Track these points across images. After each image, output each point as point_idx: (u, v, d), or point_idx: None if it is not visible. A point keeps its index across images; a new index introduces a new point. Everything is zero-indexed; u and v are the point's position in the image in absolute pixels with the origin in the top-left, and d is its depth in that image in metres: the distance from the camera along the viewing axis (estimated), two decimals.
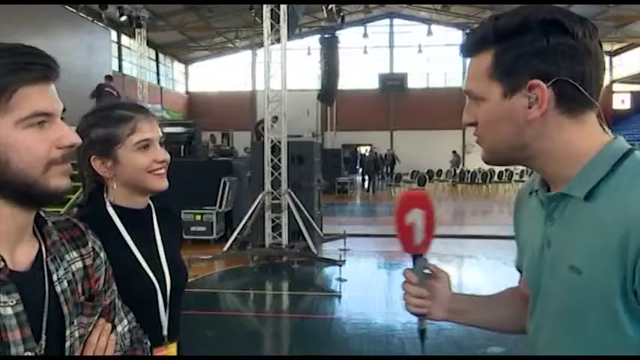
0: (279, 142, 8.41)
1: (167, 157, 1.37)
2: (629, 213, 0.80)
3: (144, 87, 19.58)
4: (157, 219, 1.42)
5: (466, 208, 15.52)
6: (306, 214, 8.39)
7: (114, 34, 21.43)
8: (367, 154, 24.54)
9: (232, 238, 8.12)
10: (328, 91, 20.31)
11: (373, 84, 29.64)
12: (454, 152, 24.35)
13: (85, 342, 0.96)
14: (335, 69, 19.76)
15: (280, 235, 8.28)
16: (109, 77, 12.61)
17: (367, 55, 28.25)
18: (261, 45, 11.00)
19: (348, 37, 24.54)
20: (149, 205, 1.42)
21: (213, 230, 9.10)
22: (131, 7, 17.97)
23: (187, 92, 31.36)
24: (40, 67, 0.84)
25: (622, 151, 0.87)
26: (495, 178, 20.37)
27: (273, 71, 8.62)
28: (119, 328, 1.07)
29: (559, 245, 0.90)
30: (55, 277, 0.90)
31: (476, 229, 9.46)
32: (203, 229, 9.07)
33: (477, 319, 1.18)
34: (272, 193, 8.31)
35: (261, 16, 8.87)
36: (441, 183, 21.30)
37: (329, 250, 8.57)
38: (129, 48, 23.15)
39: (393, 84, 29.42)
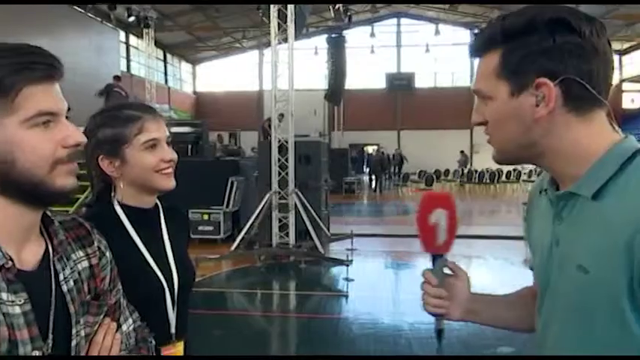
0: (287, 142, 8.42)
1: (174, 156, 1.38)
2: (636, 212, 0.80)
3: (152, 87, 19.69)
4: (165, 218, 1.42)
5: (474, 208, 15.45)
6: (314, 213, 8.39)
7: (122, 34, 21.54)
8: (374, 153, 24.51)
9: (239, 237, 8.14)
10: (335, 91, 20.30)
11: (380, 83, 29.60)
12: (462, 152, 24.27)
13: (91, 341, 0.97)
14: (342, 68, 19.75)
15: (287, 234, 8.29)
16: (117, 77, 12.66)
17: (374, 55, 28.22)
18: (268, 45, 10.99)
19: (355, 37, 24.51)
20: (157, 204, 1.42)
21: (221, 230, 9.13)
22: (139, 7, 18.07)
23: (195, 92, 31.46)
24: (43, 67, 0.84)
25: (632, 150, 0.87)
26: (503, 178, 20.29)
27: (280, 71, 8.62)
28: (124, 327, 1.07)
29: (567, 244, 0.90)
30: (61, 277, 0.91)
31: (483, 229, 9.43)
32: (210, 228, 9.11)
33: (494, 319, 1.18)
34: (279, 193, 8.31)
35: (269, 16, 8.87)
36: (448, 183, 21.23)
37: (336, 249, 8.57)
38: (137, 48, 23.27)
39: (400, 83, 29.36)
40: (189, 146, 11.42)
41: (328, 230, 9.17)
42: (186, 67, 30.94)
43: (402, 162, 23.73)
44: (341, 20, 19.31)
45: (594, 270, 0.84)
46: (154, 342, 1.16)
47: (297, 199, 8.25)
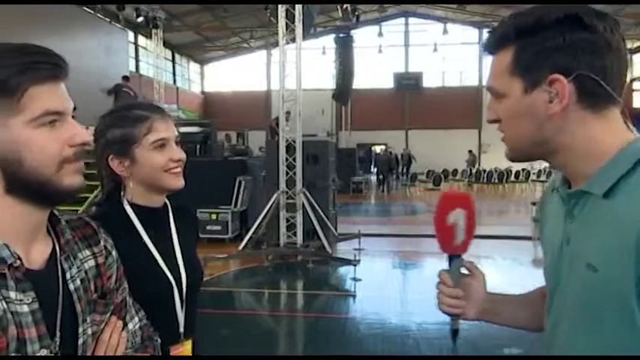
0: (294, 142, 8.43)
1: (183, 156, 1.38)
2: None
3: (160, 87, 19.78)
4: (174, 217, 1.43)
5: (482, 207, 15.37)
6: (321, 213, 8.39)
7: (131, 34, 21.65)
8: (381, 153, 24.47)
9: (247, 237, 8.16)
10: (343, 91, 20.29)
11: (388, 83, 29.56)
12: (470, 152, 24.19)
13: (97, 339, 0.97)
14: (350, 68, 19.73)
15: (295, 234, 8.30)
16: (126, 78, 12.73)
17: (382, 55, 28.16)
18: (276, 45, 11.01)
19: (363, 37, 24.47)
20: (166, 203, 1.43)
21: (229, 229, 9.16)
22: (148, 7, 18.15)
23: (203, 92, 31.58)
24: (48, 67, 0.84)
25: None
26: (512, 177, 20.19)
27: (288, 71, 8.63)
28: (130, 326, 1.08)
29: (578, 242, 0.90)
30: (68, 276, 0.91)
31: (492, 229, 9.38)
32: (218, 228, 9.14)
33: (510, 319, 1.17)
34: (287, 193, 8.32)
35: (277, 16, 8.88)
36: (456, 182, 21.14)
37: (343, 249, 8.56)
38: (145, 48, 23.38)
39: (408, 83, 29.31)
40: (198, 146, 11.46)
41: (336, 230, 9.17)
42: (194, 67, 31.05)
43: (411, 162, 23.70)
44: (349, 20, 19.29)
45: (603, 268, 0.83)
46: (159, 340, 1.17)
47: (304, 198, 8.25)
